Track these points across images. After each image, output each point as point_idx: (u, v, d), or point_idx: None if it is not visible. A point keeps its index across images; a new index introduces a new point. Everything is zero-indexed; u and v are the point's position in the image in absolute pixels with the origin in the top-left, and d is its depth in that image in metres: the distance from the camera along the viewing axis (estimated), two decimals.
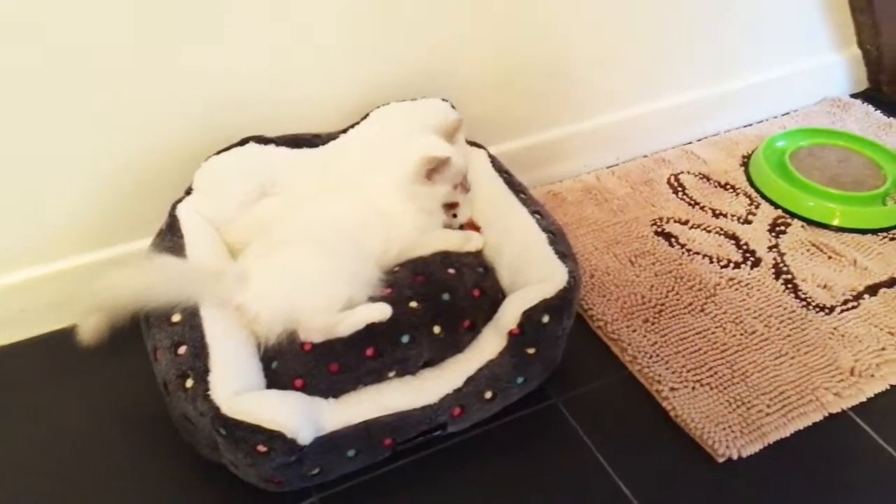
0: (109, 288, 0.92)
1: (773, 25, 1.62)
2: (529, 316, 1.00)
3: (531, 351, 1.01)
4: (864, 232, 1.36)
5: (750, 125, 1.69)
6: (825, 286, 1.26)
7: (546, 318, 1.00)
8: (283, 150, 1.13)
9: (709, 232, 1.37)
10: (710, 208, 1.43)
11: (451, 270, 1.08)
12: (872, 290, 1.25)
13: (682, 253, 1.33)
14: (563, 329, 1.03)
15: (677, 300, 1.23)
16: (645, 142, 1.59)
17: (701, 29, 1.54)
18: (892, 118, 1.69)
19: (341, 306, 0.99)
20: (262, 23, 1.12)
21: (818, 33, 1.70)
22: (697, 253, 1.32)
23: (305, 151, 1.15)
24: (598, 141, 1.54)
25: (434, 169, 1.10)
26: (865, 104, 1.74)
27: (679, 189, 1.48)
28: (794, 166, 1.46)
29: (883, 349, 1.14)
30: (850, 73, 1.78)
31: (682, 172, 1.53)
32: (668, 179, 1.51)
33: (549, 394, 1.10)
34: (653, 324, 1.19)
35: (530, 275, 1.08)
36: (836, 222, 1.37)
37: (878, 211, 1.38)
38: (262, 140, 1.12)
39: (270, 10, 1.12)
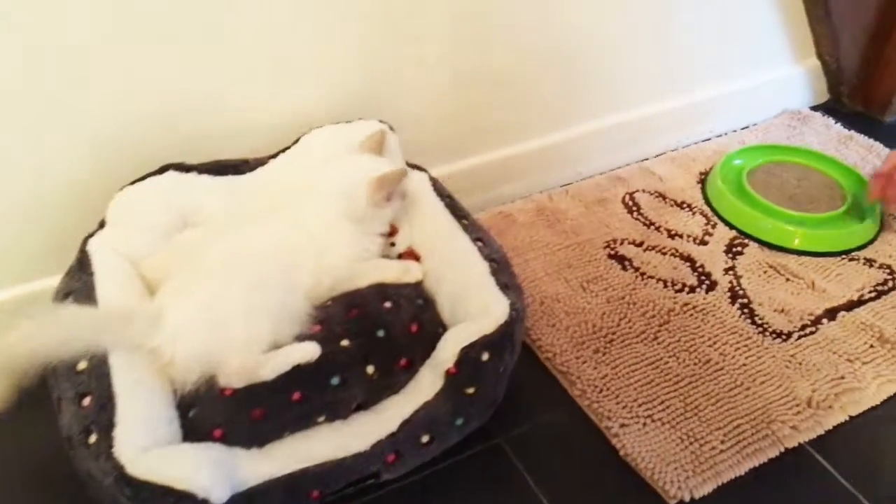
0: (10, 349, 0.84)
1: (732, 38, 1.58)
2: (467, 353, 0.94)
3: (470, 390, 0.95)
4: (823, 255, 1.31)
5: (708, 139, 1.64)
6: (783, 310, 1.21)
7: (485, 356, 0.94)
8: (206, 178, 1.06)
9: (664, 254, 1.32)
10: (665, 229, 1.38)
11: (388, 304, 1.02)
12: (831, 314, 1.20)
13: (636, 277, 1.27)
14: (504, 366, 0.97)
15: (629, 328, 1.18)
16: (601, 159, 1.54)
17: (657, 42, 1.49)
18: (852, 131, 1.65)
19: (265, 346, 0.92)
20: (188, 40, 1.05)
21: (777, 45, 1.66)
22: (651, 277, 1.27)
23: (231, 179, 1.08)
24: (552, 159, 1.49)
25: (393, 188, 1.04)
26: (826, 116, 1.70)
27: (634, 209, 1.43)
28: (751, 185, 1.41)
29: (842, 378, 1.10)
30: (809, 84, 1.75)
31: (637, 191, 1.47)
32: (624, 198, 1.46)
33: (491, 433, 1.04)
34: (604, 354, 1.14)
35: (471, 307, 1.02)
36: (795, 243, 1.32)
37: (837, 233, 1.33)
38: (182, 168, 1.05)
39: (199, 27, 1.05)
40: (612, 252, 1.32)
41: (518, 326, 0.98)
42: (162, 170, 1.04)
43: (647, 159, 1.57)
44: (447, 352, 0.95)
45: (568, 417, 1.07)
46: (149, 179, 1.03)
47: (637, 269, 1.29)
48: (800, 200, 1.40)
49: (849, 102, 1.74)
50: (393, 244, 1.12)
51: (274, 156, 1.12)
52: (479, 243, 1.09)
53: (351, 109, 1.19)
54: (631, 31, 1.44)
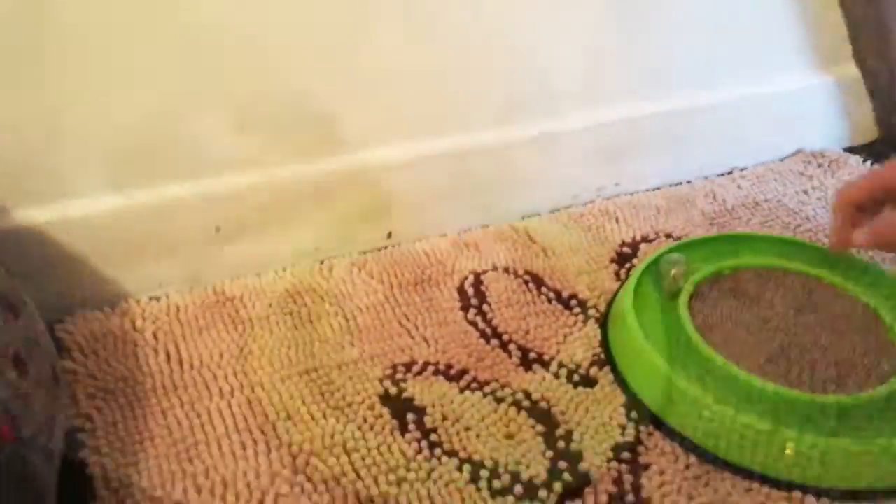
0: None
1: (694, 24, 0.92)
2: None
3: None
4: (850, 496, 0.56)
5: (657, 189, 0.97)
6: None
7: None
8: None
9: (499, 402, 0.64)
10: (521, 346, 0.70)
11: None
12: None
13: (421, 454, 0.59)
14: None
15: None
16: (455, 209, 0.88)
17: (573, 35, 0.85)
18: None
19: None
20: None
21: (789, 40, 0.99)
22: (459, 457, 0.59)
23: None
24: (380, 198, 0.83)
25: None
26: (864, 165, 1.01)
27: (476, 302, 0.75)
28: (701, 326, 0.65)
29: None
30: (846, 109, 1.06)
31: (492, 269, 0.80)
32: (464, 280, 0.78)
33: None
34: None
35: None
36: (786, 455, 0.56)
37: (871, 447, 0.55)
38: None
39: None
40: (393, 389, 0.65)
41: None
42: None
43: (535, 215, 0.90)
44: None
45: None
46: None
47: (435, 442, 0.61)
48: (795, 358, 0.63)
49: None
50: None
51: None
52: None
53: None
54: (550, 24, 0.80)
